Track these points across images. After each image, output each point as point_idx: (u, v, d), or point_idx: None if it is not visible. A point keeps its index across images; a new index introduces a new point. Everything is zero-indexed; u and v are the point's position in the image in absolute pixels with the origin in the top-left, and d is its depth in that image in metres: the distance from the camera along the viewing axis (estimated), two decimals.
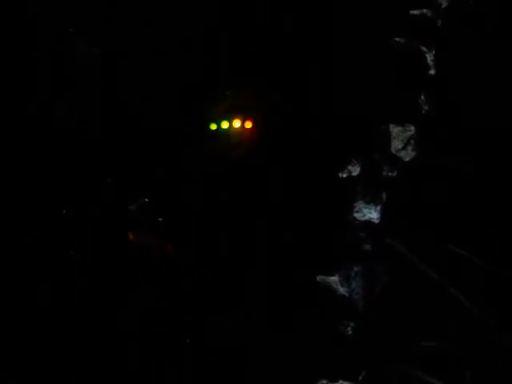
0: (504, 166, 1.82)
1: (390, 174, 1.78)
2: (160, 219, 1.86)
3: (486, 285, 1.63)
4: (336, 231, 1.73)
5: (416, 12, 2.00)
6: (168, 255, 1.86)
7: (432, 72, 1.94)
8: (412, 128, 1.82)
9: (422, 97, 1.89)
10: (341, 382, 1.56)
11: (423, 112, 1.87)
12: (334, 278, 1.63)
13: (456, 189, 1.75)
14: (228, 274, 1.79)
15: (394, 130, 1.81)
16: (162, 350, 1.89)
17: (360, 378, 1.56)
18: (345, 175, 1.75)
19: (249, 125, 1.93)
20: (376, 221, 1.71)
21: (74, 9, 2.19)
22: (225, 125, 1.96)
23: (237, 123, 1.94)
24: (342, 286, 1.63)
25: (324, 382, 1.60)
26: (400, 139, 1.81)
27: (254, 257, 1.77)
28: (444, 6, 2.04)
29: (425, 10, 1.99)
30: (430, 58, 1.95)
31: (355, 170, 1.76)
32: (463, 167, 1.83)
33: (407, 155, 1.80)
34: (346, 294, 1.63)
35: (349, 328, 1.61)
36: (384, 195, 1.75)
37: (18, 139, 2.13)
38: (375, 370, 1.57)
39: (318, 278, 1.66)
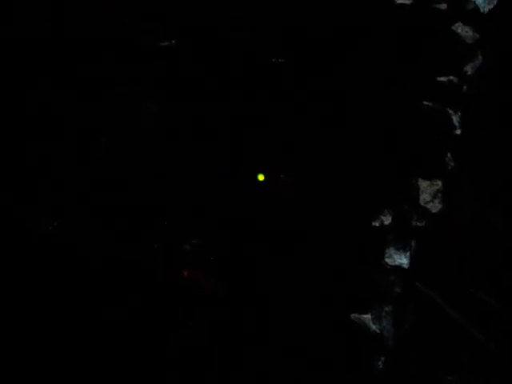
0: None
1: (418, 224, 1.97)
2: (212, 258, 2.06)
3: (503, 327, 1.79)
4: (369, 274, 1.91)
5: (443, 79, 2.22)
6: (212, 292, 2.04)
7: (458, 132, 2.15)
8: (439, 182, 2.02)
9: (449, 154, 2.08)
10: None
11: (449, 168, 2.06)
12: (367, 316, 1.81)
13: (483, 238, 1.93)
14: (264, 309, 1.97)
15: (423, 184, 2.01)
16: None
17: None
18: (377, 224, 1.95)
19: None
20: (405, 266, 1.89)
21: None
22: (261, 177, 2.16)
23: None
24: (374, 323, 1.80)
25: None
26: (428, 192, 2.00)
27: (292, 294, 1.95)
28: (469, 73, 2.25)
29: (451, 77, 2.21)
30: (455, 119, 2.15)
31: (387, 220, 1.95)
32: (491, 218, 2.01)
33: (434, 207, 1.99)
34: (378, 331, 1.81)
35: (380, 362, 1.78)
36: (413, 243, 1.93)
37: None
38: None
39: (352, 316, 1.84)
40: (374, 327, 1.78)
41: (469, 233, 1.99)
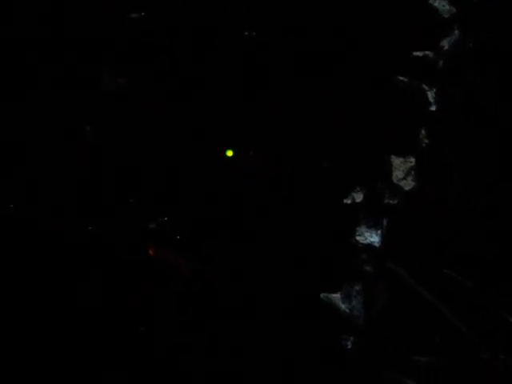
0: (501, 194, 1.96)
1: (391, 201, 1.93)
2: (178, 237, 2.01)
3: (475, 305, 1.76)
4: (339, 253, 1.87)
5: (419, 53, 2.16)
6: (184, 272, 2.01)
7: (433, 108, 2.10)
8: (412, 160, 1.97)
9: (423, 131, 2.04)
10: None
11: (423, 145, 2.02)
12: (337, 296, 1.77)
13: (450, 216, 1.90)
14: (237, 288, 1.94)
15: (396, 161, 1.96)
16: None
17: None
18: (349, 201, 1.90)
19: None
20: (377, 244, 1.85)
21: None
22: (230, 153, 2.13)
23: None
24: (343, 303, 1.76)
25: None
26: (401, 170, 1.96)
27: (263, 272, 1.91)
28: (446, 48, 2.20)
29: (427, 52, 2.16)
30: (430, 95, 2.10)
31: (358, 197, 1.91)
32: (458, 198, 1.97)
33: (407, 185, 1.95)
34: (347, 311, 1.77)
35: (349, 342, 1.74)
36: (385, 221, 1.89)
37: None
38: (371, 380, 1.70)
39: (322, 295, 1.80)
40: (343, 306, 1.74)
41: (448, 214, 1.96)
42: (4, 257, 2.18)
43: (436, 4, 2.24)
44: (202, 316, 1.98)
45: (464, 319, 1.72)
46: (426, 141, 2.02)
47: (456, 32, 2.21)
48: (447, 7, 2.23)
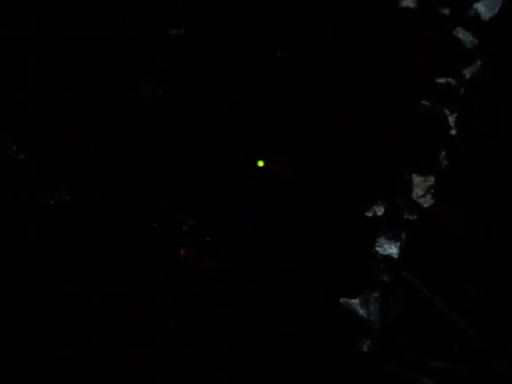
0: None
1: (410, 217, 2.05)
2: (208, 239, 2.13)
3: (488, 316, 1.86)
4: (360, 262, 1.99)
5: (442, 80, 2.29)
6: (212, 273, 2.12)
7: (453, 132, 2.22)
8: (432, 179, 2.09)
9: (443, 152, 2.16)
10: None
11: (443, 166, 2.14)
12: (356, 301, 1.88)
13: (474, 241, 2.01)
14: (258, 292, 2.04)
15: (416, 179, 2.09)
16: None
17: None
18: (370, 214, 2.02)
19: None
20: (395, 255, 1.97)
21: None
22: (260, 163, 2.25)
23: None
24: (361, 308, 1.88)
25: None
26: (421, 187, 2.08)
27: (284, 277, 2.03)
28: (468, 76, 2.33)
29: (450, 79, 2.29)
30: (451, 119, 2.23)
31: (380, 211, 2.03)
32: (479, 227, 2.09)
33: (426, 202, 2.07)
34: (365, 316, 1.88)
35: (365, 345, 1.85)
36: (403, 234, 2.01)
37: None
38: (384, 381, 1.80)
39: (341, 300, 1.91)
40: (361, 311, 1.86)
41: (461, 233, 2.07)
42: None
43: (460, 35, 2.37)
44: (217, 318, 2.08)
45: (477, 329, 1.82)
46: (446, 162, 2.15)
47: (478, 62, 2.33)
48: (470, 38, 2.36)
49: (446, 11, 2.41)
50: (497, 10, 2.41)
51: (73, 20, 2.43)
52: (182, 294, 2.11)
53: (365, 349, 1.83)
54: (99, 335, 2.12)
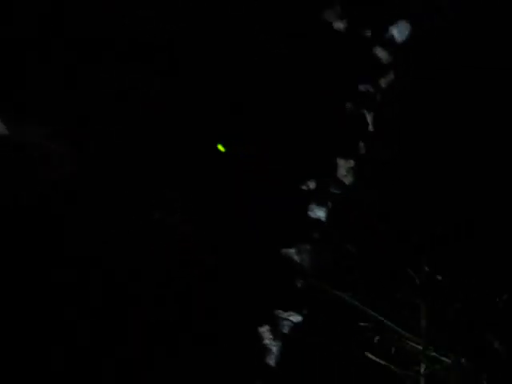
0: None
1: (335, 190, 2.72)
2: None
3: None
4: (297, 222, 2.64)
5: (362, 88, 2.97)
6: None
7: (370, 128, 2.91)
8: (352, 162, 2.77)
9: (361, 143, 2.84)
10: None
11: (361, 152, 2.82)
12: (292, 250, 2.54)
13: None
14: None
15: (341, 162, 2.76)
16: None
17: None
18: (305, 187, 2.69)
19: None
20: (323, 218, 2.64)
21: None
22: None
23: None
24: (296, 255, 2.53)
25: None
26: (344, 168, 2.75)
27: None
28: (383, 85, 3.01)
29: (368, 87, 2.96)
30: (369, 118, 2.91)
31: (312, 185, 2.69)
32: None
33: (347, 180, 2.74)
34: (299, 261, 2.53)
35: (299, 283, 2.50)
36: (329, 203, 2.67)
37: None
38: None
39: (282, 250, 2.56)
40: (296, 258, 2.51)
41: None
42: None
43: (378, 52, 3.05)
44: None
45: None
46: (364, 150, 2.83)
47: (391, 74, 3.02)
48: (386, 55, 3.05)
49: (368, 33, 3.10)
50: (407, 34, 3.10)
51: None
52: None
53: (299, 285, 2.49)
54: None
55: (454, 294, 2.28)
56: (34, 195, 2.45)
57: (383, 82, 3.01)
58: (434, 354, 2.21)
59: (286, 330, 2.36)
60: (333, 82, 2.99)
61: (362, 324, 2.29)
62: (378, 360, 2.23)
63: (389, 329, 2.24)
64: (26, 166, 2.52)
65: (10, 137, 2.48)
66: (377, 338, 2.28)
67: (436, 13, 3.09)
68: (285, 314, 2.37)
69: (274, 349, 2.32)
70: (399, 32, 3.10)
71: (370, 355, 2.19)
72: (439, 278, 2.31)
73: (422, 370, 2.21)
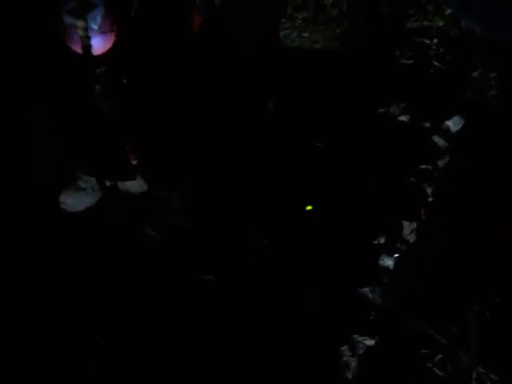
0: None
1: (400, 246, 3.34)
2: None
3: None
4: (368, 269, 3.26)
5: (423, 167, 3.65)
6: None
7: (429, 199, 3.56)
8: (415, 224, 3.41)
9: (422, 210, 3.49)
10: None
11: (422, 217, 3.46)
12: (367, 289, 3.14)
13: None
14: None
15: (405, 224, 3.40)
16: None
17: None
18: (377, 242, 3.32)
19: None
20: (391, 267, 3.25)
21: None
22: None
23: None
24: (369, 293, 3.13)
25: None
26: (408, 229, 3.39)
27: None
28: (440, 166, 3.69)
29: (429, 167, 3.65)
30: (429, 191, 3.57)
31: (382, 240, 3.33)
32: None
33: (411, 238, 3.37)
34: (371, 298, 3.13)
35: (371, 315, 3.09)
36: (396, 255, 3.30)
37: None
38: None
39: (359, 290, 3.17)
40: (370, 295, 3.11)
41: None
42: None
43: (436, 140, 3.76)
44: None
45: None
46: (423, 216, 3.47)
47: (447, 157, 3.70)
48: (443, 142, 3.75)
49: (428, 124, 3.82)
50: (460, 126, 3.81)
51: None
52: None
53: (371, 317, 3.08)
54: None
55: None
56: None
57: (440, 163, 3.69)
58: (482, 371, 2.73)
59: (361, 352, 2.93)
60: (400, 163, 3.69)
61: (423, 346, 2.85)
62: (438, 372, 2.77)
63: (446, 347, 2.79)
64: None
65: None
66: (438, 357, 2.82)
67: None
68: (360, 338, 2.95)
69: (352, 364, 2.89)
70: (454, 124, 3.81)
71: (435, 370, 2.73)
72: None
73: None
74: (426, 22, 4.39)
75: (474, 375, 2.76)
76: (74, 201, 3.35)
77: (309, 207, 3.47)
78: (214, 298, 3.03)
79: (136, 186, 3.38)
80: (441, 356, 2.85)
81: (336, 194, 3.52)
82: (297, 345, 2.96)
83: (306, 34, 4.31)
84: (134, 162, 3.26)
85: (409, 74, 4.05)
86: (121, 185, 3.38)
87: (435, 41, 4.30)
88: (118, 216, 3.35)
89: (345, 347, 2.94)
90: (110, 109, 3.11)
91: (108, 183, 3.37)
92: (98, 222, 3.31)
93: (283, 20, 4.35)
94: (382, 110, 3.88)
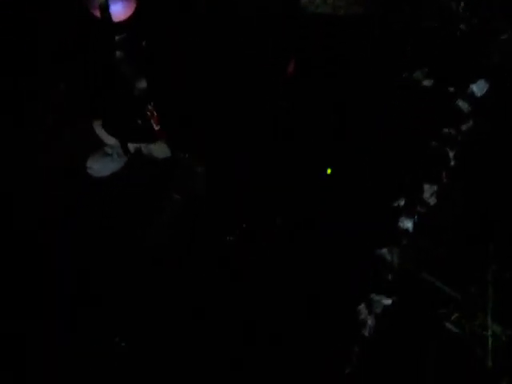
0: None
1: (420, 209, 3.35)
2: None
3: None
4: (388, 230, 3.29)
5: (446, 130, 3.64)
6: None
7: (451, 163, 3.56)
8: (435, 187, 3.41)
9: (444, 173, 3.49)
10: None
11: (443, 181, 3.46)
12: (385, 250, 3.17)
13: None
14: None
15: (426, 186, 3.41)
16: None
17: None
18: (396, 204, 3.34)
19: None
20: (410, 229, 3.27)
21: None
22: None
23: None
24: (388, 254, 3.16)
25: None
26: (429, 192, 3.40)
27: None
28: (463, 129, 3.67)
29: (451, 130, 3.63)
30: (451, 155, 3.56)
31: (402, 203, 3.34)
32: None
33: (432, 201, 3.38)
34: (388, 259, 3.16)
35: (388, 276, 3.12)
36: (416, 217, 3.31)
37: None
38: None
39: (377, 250, 3.20)
40: (388, 257, 3.14)
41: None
42: None
43: (460, 104, 3.74)
44: None
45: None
46: (445, 179, 3.46)
47: (471, 121, 3.68)
48: (466, 106, 3.72)
49: (452, 89, 3.80)
50: (485, 90, 3.77)
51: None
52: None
53: (389, 277, 3.11)
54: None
55: None
56: None
57: (464, 127, 3.67)
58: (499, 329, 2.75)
59: (378, 310, 2.97)
60: (423, 127, 3.68)
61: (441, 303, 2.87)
62: (454, 330, 2.79)
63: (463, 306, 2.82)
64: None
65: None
66: (455, 314, 2.85)
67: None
68: (377, 297, 2.99)
69: (369, 322, 2.93)
70: (478, 88, 3.78)
71: (449, 326, 2.76)
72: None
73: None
74: None
75: (490, 332, 2.77)
76: (100, 166, 3.44)
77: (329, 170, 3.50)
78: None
79: (159, 151, 3.45)
80: (457, 315, 2.87)
81: (359, 155, 3.54)
82: (314, 304, 3.01)
83: (330, 0, 4.30)
84: (157, 128, 3.33)
85: (433, 37, 4.02)
86: (145, 150, 3.46)
87: (462, 4, 4.24)
88: (143, 180, 3.43)
89: (362, 306, 2.98)
90: (132, 74, 3.17)
91: (132, 149, 3.45)
92: (123, 186, 3.40)
93: None
94: (405, 75, 3.87)
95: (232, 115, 3.32)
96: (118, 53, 3.13)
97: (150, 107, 3.26)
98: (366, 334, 2.91)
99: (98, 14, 3.00)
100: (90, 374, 2.64)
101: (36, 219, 3.07)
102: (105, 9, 2.93)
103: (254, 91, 3.33)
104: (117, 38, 3.10)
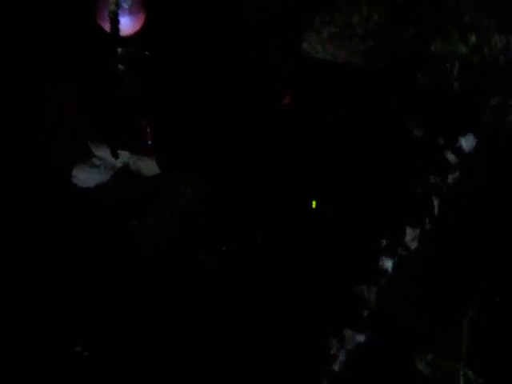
0: None
1: (402, 252, 3.36)
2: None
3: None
4: (368, 271, 3.29)
5: (432, 180, 3.69)
6: None
7: (436, 211, 3.59)
8: (418, 231, 3.43)
9: (427, 219, 3.51)
10: None
11: (426, 226, 3.48)
12: (363, 287, 3.16)
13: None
14: None
15: (408, 230, 3.43)
16: None
17: None
18: (378, 245, 3.35)
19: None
20: (389, 269, 3.27)
21: None
22: None
23: None
24: (366, 293, 3.15)
25: None
26: (411, 235, 3.41)
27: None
28: (449, 181, 3.72)
29: (437, 180, 3.68)
30: (436, 203, 3.60)
31: (384, 244, 3.36)
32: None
33: (413, 244, 3.39)
34: (367, 297, 3.15)
35: (364, 313, 3.10)
36: (396, 259, 3.32)
37: None
38: None
39: (355, 288, 3.19)
40: (366, 295, 3.13)
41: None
42: None
43: (448, 156, 3.80)
44: None
45: None
46: (428, 225, 3.49)
47: (457, 172, 3.74)
48: (454, 158, 3.79)
49: (441, 141, 3.86)
50: (473, 146, 3.85)
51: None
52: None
53: (364, 314, 3.09)
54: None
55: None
56: None
57: (450, 178, 3.72)
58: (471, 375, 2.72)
59: (350, 346, 2.94)
60: (409, 175, 3.73)
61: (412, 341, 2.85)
62: (426, 371, 2.76)
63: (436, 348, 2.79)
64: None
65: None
66: (429, 356, 2.82)
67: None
68: (350, 333, 2.97)
69: (340, 357, 2.90)
70: (467, 143, 3.85)
71: (421, 366, 2.73)
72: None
73: None
74: (449, 47, 4.46)
75: (462, 377, 2.74)
76: (86, 176, 3.43)
77: (314, 204, 3.51)
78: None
79: (148, 168, 3.46)
80: (431, 356, 2.84)
81: (342, 195, 3.56)
82: (287, 336, 2.98)
83: (331, 49, 4.40)
84: (149, 143, 3.34)
85: (428, 93, 4.12)
86: (133, 166, 3.46)
87: (457, 66, 4.36)
88: (129, 196, 3.42)
89: (334, 340, 2.95)
90: (131, 88, 3.20)
91: (120, 164, 3.45)
92: (108, 200, 3.38)
93: (310, 33, 4.44)
94: (397, 123, 3.94)
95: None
96: (119, 66, 3.16)
97: (145, 121, 3.28)
98: (336, 369, 2.87)
99: (105, 26, 3.05)
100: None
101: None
102: (114, 22, 2.98)
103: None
104: (120, 50, 3.15)
